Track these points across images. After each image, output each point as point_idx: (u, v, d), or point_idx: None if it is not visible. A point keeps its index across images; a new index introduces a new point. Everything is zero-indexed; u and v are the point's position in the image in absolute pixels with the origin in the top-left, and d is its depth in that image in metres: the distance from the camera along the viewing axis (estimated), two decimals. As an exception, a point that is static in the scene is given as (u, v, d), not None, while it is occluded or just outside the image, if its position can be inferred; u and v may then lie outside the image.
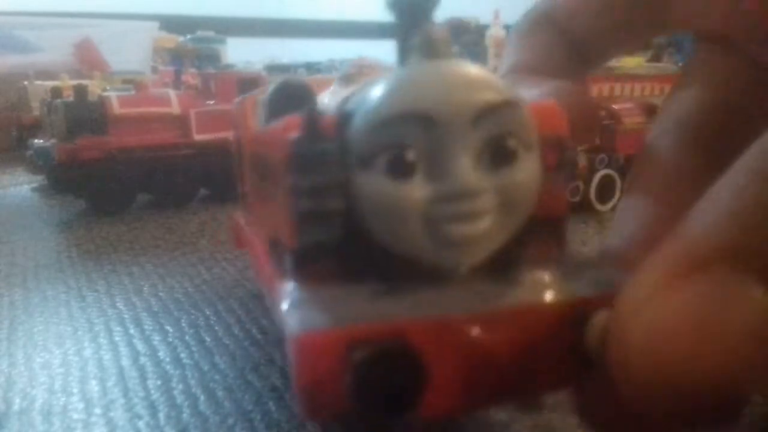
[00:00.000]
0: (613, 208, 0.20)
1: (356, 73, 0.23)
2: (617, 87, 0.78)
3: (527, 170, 0.15)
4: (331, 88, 0.25)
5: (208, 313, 0.38)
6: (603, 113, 0.63)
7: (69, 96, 0.70)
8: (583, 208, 0.59)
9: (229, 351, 0.32)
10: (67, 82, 0.95)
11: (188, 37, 1.71)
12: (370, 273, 0.15)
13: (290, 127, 0.16)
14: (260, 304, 0.38)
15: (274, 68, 1.23)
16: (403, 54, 0.16)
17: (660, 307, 0.12)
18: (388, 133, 0.14)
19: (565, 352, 0.14)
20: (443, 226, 0.14)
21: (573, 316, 0.14)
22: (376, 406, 0.13)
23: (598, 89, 0.82)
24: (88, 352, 0.33)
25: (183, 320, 0.37)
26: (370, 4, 2.46)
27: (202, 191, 0.72)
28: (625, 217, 0.19)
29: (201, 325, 0.36)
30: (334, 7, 2.36)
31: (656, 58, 1.41)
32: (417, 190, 0.14)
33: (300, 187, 0.15)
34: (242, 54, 1.59)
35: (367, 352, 0.13)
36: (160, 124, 0.67)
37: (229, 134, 0.43)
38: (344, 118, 0.15)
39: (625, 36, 0.21)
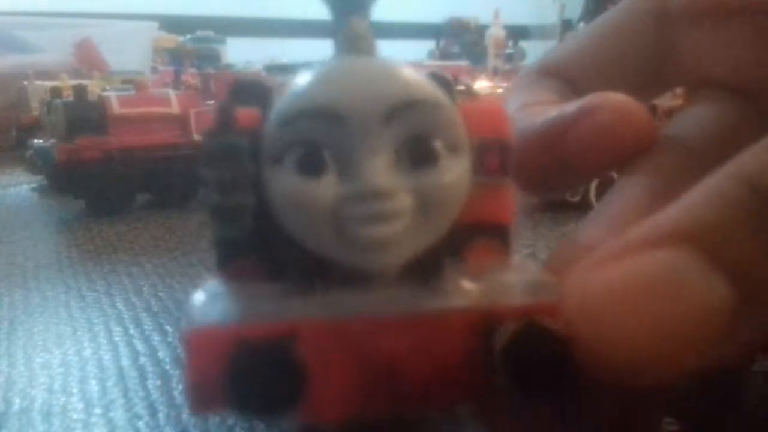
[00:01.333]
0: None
1: None
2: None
3: (451, 173, 0.14)
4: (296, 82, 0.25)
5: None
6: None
7: (68, 96, 0.70)
8: (583, 207, 0.59)
9: (228, 351, 0.32)
10: (67, 82, 0.95)
11: (188, 37, 1.71)
12: (288, 271, 0.15)
13: (209, 121, 0.15)
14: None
15: (273, 68, 1.23)
16: (336, 44, 0.16)
17: (603, 276, 0.12)
18: (298, 130, 0.14)
19: (472, 363, 0.14)
20: (353, 227, 0.14)
21: (484, 326, 0.14)
22: (250, 407, 0.13)
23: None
24: (87, 352, 0.33)
25: (183, 320, 0.37)
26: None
27: (202, 191, 0.72)
28: (597, 215, 0.19)
29: (201, 325, 0.36)
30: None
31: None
32: (326, 189, 0.14)
33: (208, 181, 0.15)
34: (242, 54, 1.59)
35: (244, 352, 0.13)
36: (160, 124, 0.67)
37: None
38: (263, 110, 0.15)
39: (632, 91, 0.20)
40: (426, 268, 0.15)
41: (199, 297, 0.15)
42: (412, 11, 2.36)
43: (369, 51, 0.15)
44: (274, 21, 2.35)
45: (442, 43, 2.17)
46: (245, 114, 0.15)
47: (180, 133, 0.68)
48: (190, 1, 2.13)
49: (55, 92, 0.74)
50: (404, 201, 0.14)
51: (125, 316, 0.39)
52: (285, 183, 0.14)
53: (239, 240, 0.15)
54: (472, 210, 0.15)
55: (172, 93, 0.69)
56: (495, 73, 0.94)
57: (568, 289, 0.13)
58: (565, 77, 0.21)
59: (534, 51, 2.02)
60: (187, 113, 0.68)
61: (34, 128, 0.96)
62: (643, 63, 0.20)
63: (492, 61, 1.60)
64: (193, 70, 1.02)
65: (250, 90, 0.21)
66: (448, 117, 0.14)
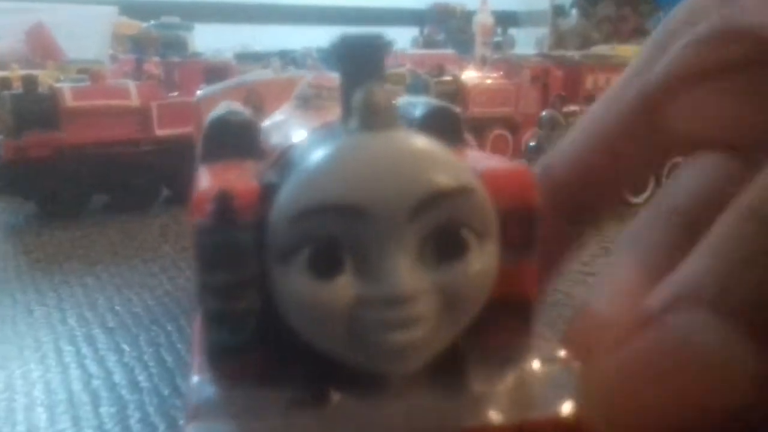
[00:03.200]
0: (648, 200, 0.20)
1: (315, 95, 0.22)
2: (613, 78, 0.77)
3: (480, 263, 0.14)
4: (287, 108, 0.23)
5: (170, 329, 0.37)
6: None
7: (17, 87, 0.68)
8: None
9: (192, 372, 0.31)
10: (17, 72, 0.93)
11: (151, 23, 1.69)
12: (293, 374, 0.15)
13: (200, 205, 0.14)
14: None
15: (245, 57, 1.21)
16: (345, 113, 0.15)
17: (623, 352, 0.13)
18: (311, 225, 0.13)
19: None
20: (373, 334, 0.13)
21: None
22: None
23: (593, 80, 0.82)
24: (35, 375, 0.32)
25: (141, 338, 0.36)
26: (348, -12, 2.45)
27: (165, 192, 0.71)
28: (609, 281, 0.19)
29: (162, 343, 0.35)
30: (310, -9, 2.36)
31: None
32: (343, 291, 0.13)
33: (208, 286, 0.14)
34: (211, 41, 1.57)
35: None
36: (118, 118, 0.66)
37: (191, 128, 0.43)
38: (268, 192, 0.14)
39: (625, 174, 0.21)
40: (447, 367, 0.14)
41: (191, 405, 0.14)
42: (393, -4, 2.36)
43: (390, 125, 0.14)
44: (246, 5, 2.33)
45: (426, 30, 2.16)
46: (244, 194, 0.14)
47: (140, 128, 0.67)
48: (154, -17, 2.10)
49: (4, 83, 0.72)
50: (429, 303, 0.14)
51: (77, 334, 0.37)
52: (296, 284, 0.13)
53: (239, 345, 0.15)
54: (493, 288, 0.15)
55: (131, 84, 0.68)
56: (484, 63, 0.94)
57: (586, 379, 0.13)
58: (565, 185, 0.21)
59: (524, 38, 2.03)
60: (148, 106, 0.67)
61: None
62: (636, 153, 0.20)
63: (479, 50, 1.60)
64: (157, 59, 1.01)
65: (234, 129, 0.20)
66: (478, 203, 0.14)
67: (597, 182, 0.21)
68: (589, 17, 2.05)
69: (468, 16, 1.94)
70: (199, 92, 0.39)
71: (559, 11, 2.08)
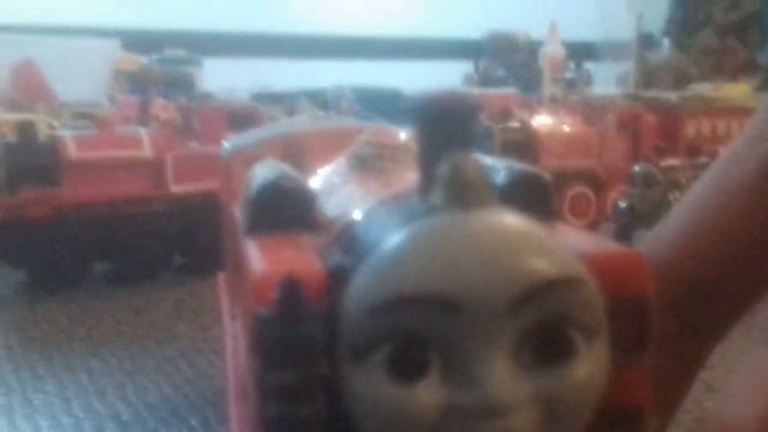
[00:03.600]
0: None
1: (374, 156, 0.23)
2: (720, 124, 0.78)
3: (589, 366, 0.14)
4: (339, 167, 0.24)
5: (194, 423, 0.38)
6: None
7: (9, 135, 0.71)
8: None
9: (227, 476, 0.32)
10: (5, 117, 0.97)
11: (153, 57, 1.75)
12: None
13: (263, 290, 0.15)
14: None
15: (264, 98, 1.24)
16: (426, 188, 0.15)
17: None
18: (393, 319, 0.14)
19: None
20: None
21: None
22: None
23: (695, 127, 0.83)
24: (40, 477, 0.33)
25: (162, 433, 0.37)
26: (384, 16, 2.49)
27: (179, 260, 0.72)
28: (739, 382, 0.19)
29: (188, 440, 0.36)
30: (337, 20, 2.41)
31: (766, 85, 1.42)
32: (428, 397, 0.14)
33: (269, 387, 0.14)
34: (221, 79, 1.62)
35: None
36: (128, 172, 0.68)
37: (215, 184, 0.44)
38: (337, 277, 0.15)
39: (761, 262, 0.21)
40: None
41: None
42: (443, 25, 2.40)
43: (483, 203, 0.14)
44: (261, 37, 2.38)
45: (482, 64, 2.20)
46: (312, 280, 0.15)
47: (153, 184, 0.69)
48: (157, 12, 2.18)
49: (-7, 131, 0.76)
50: (530, 415, 0.14)
51: (85, 427, 0.39)
52: (372, 386, 0.14)
53: None
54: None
55: (143, 132, 0.71)
56: (556, 105, 0.95)
57: None
58: (674, 282, 0.21)
59: (603, 74, 2.04)
60: (162, 158, 0.69)
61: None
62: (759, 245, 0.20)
63: (548, 88, 1.62)
64: (161, 100, 1.04)
65: (285, 201, 0.19)
66: (587, 296, 0.14)
67: (723, 273, 0.21)
68: (685, 49, 2.05)
69: (533, 47, 1.96)
70: (225, 143, 0.40)
71: (647, 42, 2.09)
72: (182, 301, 0.63)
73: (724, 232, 0.21)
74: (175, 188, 0.69)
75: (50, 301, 0.64)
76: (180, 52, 1.79)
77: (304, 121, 0.59)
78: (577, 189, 0.81)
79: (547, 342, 0.14)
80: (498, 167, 0.19)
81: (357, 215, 0.19)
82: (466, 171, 0.14)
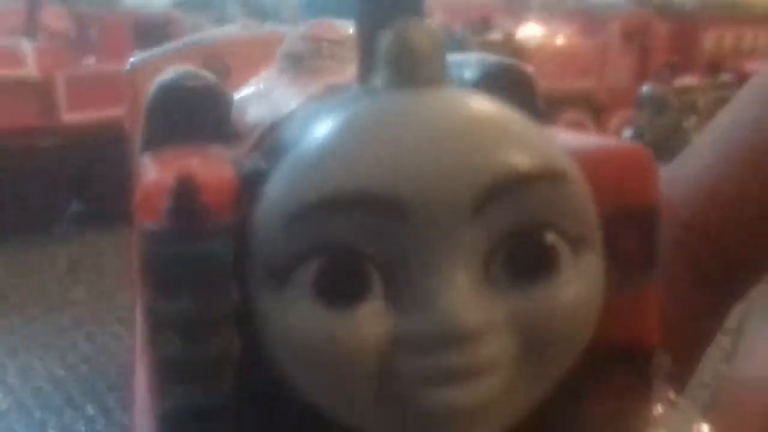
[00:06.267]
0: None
1: (312, 53, 0.23)
2: (747, 35, 0.78)
3: (576, 284, 0.14)
4: (268, 73, 0.24)
5: (91, 412, 0.37)
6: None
7: None
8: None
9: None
10: None
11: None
12: None
13: (150, 201, 0.14)
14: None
15: (187, 4, 1.23)
16: (365, 66, 0.15)
17: None
18: (321, 227, 0.13)
19: None
20: (416, 390, 0.13)
21: None
22: None
23: (716, 39, 0.82)
24: None
25: (50, 426, 0.36)
26: None
27: (75, 205, 0.71)
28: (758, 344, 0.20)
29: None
30: None
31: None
32: (369, 326, 0.13)
33: (163, 319, 0.14)
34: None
35: None
36: (8, 96, 0.65)
37: (118, 110, 0.42)
38: (251, 183, 0.14)
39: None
40: None
41: None
42: None
43: (437, 79, 0.14)
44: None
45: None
46: (215, 186, 0.14)
47: (40, 112, 0.66)
48: None
49: None
50: (502, 344, 0.13)
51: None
52: (297, 316, 0.13)
53: (205, 409, 0.14)
54: (596, 327, 0.14)
55: (26, 45, 0.69)
56: (550, 14, 0.95)
57: None
58: (695, 230, 0.22)
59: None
60: (51, 78, 0.67)
61: None
62: None
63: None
64: (57, 7, 1.02)
65: (188, 104, 0.19)
66: (573, 195, 0.14)
67: (750, 224, 0.21)
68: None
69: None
70: (132, 60, 0.40)
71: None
72: (79, 260, 0.61)
73: (755, 180, 0.21)
74: (69, 117, 0.67)
75: None
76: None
77: (232, 30, 0.58)
78: (572, 114, 0.81)
79: (523, 254, 0.14)
80: (466, 61, 0.18)
81: (280, 115, 0.18)
82: (413, 39, 0.14)
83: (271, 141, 0.17)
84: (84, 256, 0.60)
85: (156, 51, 0.40)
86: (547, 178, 0.13)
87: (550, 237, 0.14)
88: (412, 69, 0.14)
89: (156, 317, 0.14)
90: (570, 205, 0.14)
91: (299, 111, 0.18)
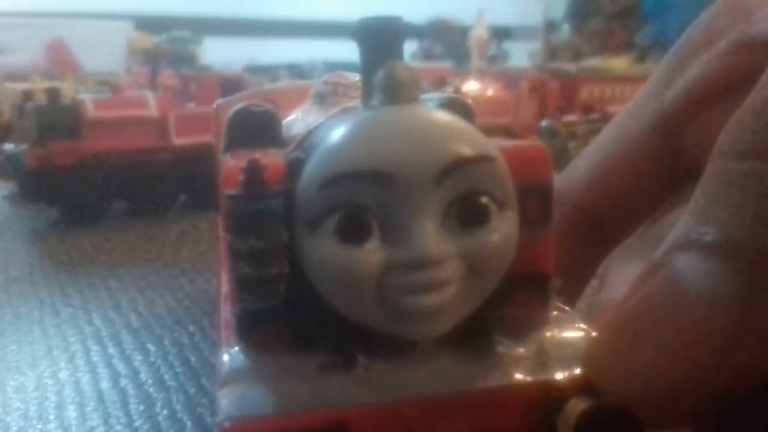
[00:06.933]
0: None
1: (331, 92, 0.22)
2: (607, 89, 0.78)
3: (501, 231, 0.14)
4: (304, 106, 0.23)
5: (192, 330, 0.37)
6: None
7: (41, 99, 0.68)
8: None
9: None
10: (39, 85, 0.93)
11: (163, 37, 1.69)
12: (321, 341, 0.14)
13: (231, 177, 0.14)
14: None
15: (254, 69, 1.21)
16: (367, 94, 0.15)
17: (627, 302, 0.13)
18: (339, 192, 0.13)
19: None
20: (400, 298, 0.13)
21: (543, 401, 0.14)
22: None
23: (588, 91, 0.82)
24: (64, 374, 0.32)
25: (166, 338, 0.36)
26: (351, 3, 2.44)
27: (182, 198, 0.71)
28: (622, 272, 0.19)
29: (185, 344, 0.35)
30: (315, 6, 2.35)
31: (642, 59, 1.42)
32: (371, 257, 0.13)
33: (238, 251, 0.14)
34: (219, 55, 1.57)
35: None
36: (137, 128, 0.66)
37: (208, 137, 0.43)
38: (294, 167, 0.14)
39: (648, 203, 0.21)
40: (472, 333, 0.14)
41: (226, 377, 0.14)
42: (394, 11, 2.35)
43: (413, 99, 0.14)
44: (252, 20, 2.33)
45: (424, 43, 2.17)
46: (273, 168, 0.14)
47: (158, 138, 0.67)
48: (165, 0, 2.10)
49: (27, 95, 0.72)
50: (454, 268, 0.13)
51: (104, 334, 0.37)
52: (324, 250, 0.13)
53: (268, 311, 0.14)
54: (513, 260, 0.14)
55: (149, 95, 0.68)
56: (483, 75, 0.94)
57: (597, 333, 0.14)
58: (583, 206, 0.21)
59: (518, 52, 2.03)
60: (165, 116, 0.67)
61: (5, 133, 0.93)
62: (655, 174, 0.20)
63: (476, 63, 1.60)
64: (170, 71, 1.01)
65: (256, 118, 0.19)
66: (499, 172, 0.14)
67: (616, 203, 0.20)
68: (580, 32, 2.05)
69: (464, 30, 1.93)
70: (216, 102, 0.39)
71: (551, 26, 2.08)
72: (185, 231, 0.61)
73: (619, 172, 0.20)
74: (177, 141, 0.67)
75: (78, 233, 0.62)
76: (184, 33, 1.73)
77: (281, 85, 0.57)
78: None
79: (467, 211, 0.14)
80: (432, 97, 0.18)
81: (312, 128, 0.18)
82: (397, 73, 0.14)
83: (306, 143, 0.17)
84: (188, 229, 0.59)
85: (232, 97, 0.39)
86: (482, 160, 0.13)
87: (485, 199, 0.14)
88: (396, 92, 0.14)
89: (234, 251, 0.14)
90: (498, 179, 0.14)
91: (325, 123, 0.18)
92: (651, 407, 0.12)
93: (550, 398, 0.13)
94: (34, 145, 0.64)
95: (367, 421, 0.13)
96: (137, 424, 0.27)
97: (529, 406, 0.14)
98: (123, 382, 0.31)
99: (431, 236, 0.13)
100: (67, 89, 0.83)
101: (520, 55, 1.96)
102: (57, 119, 0.64)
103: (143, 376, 0.31)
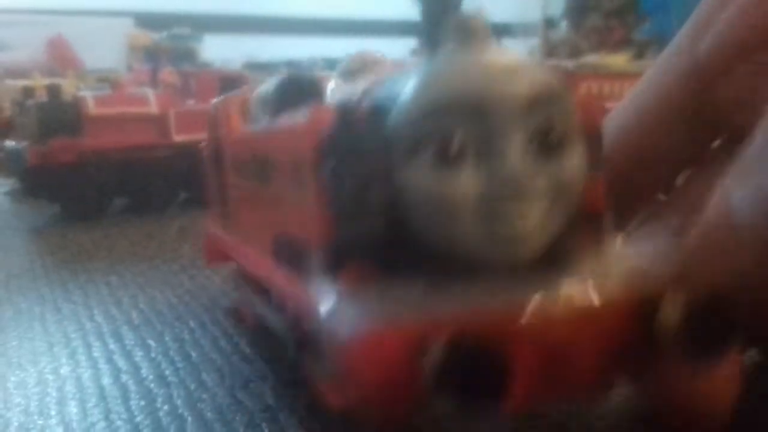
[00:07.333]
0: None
1: (359, 68, 0.23)
2: (606, 85, 0.78)
3: (576, 159, 0.15)
4: (332, 82, 0.24)
5: (192, 325, 0.37)
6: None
7: (42, 96, 0.68)
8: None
9: (216, 367, 0.30)
10: (40, 81, 0.93)
11: (164, 34, 1.69)
12: (413, 270, 0.15)
13: (319, 119, 0.15)
14: (246, 315, 0.37)
15: (254, 66, 1.21)
16: (432, 43, 0.16)
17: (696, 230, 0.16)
18: (437, 122, 0.14)
19: (633, 345, 0.15)
20: (495, 218, 0.14)
21: (638, 308, 0.15)
22: (458, 403, 0.12)
23: (587, 87, 0.82)
24: (65, 370, 0.32)
25: (166, 334, 0.36)
26: (349, 1, 2.44)
27: (183, 194, 0.71)
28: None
29: (186, 339, 0.35)
30: (314, 3, 2.35)
31: (640, 56, 1.42)
32: (467, 180, 0.14)
33: (340, 179, 0.15)
34: (219, 52, 1.57)
35: (442, 351, 0.12)
36: (138, 124, 0.66)
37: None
38: (377, 109, 0.15)
39: (677, 154, 0.21)
40: (555, 256, 0.15)
41: (328, 305, 0.14)
42: (393, 8, 2.35)
43: (489, 42, 0.15)
44: (252, 17, 2.32)
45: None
46: (358, 109, 0.15)
47: (158, 135, 0.67)
48: (165, -4, 2.10)
49: (28, 92, 0.72)
50: (542, 189, 0.14)
51: (105, 330, 0.37)
52: (422, 177, 0.14)
53: (364, 240, 0.15)
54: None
55: (150, 92, 0.68)
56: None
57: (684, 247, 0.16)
58: (616, 167, 0.21)
59: (516, 48, 2.02)
60: (166, 113, 0.67)
61: (6, 129, 0.93)
62: (686, 132, 0.20)
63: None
64: (170, 68, 1.00)
65: (302, 86, 0.20)
66: (571, 108, 0.15)
67: (646, 161, 0.20)
68: (578, 28, 2.05)
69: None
70: (213, 102, 0.39)
71: (549, 23, 2.08)
72: (185, 228, 0.61)
73: (649, 131, 0.21)
74: (177, 138, 0.67)
75: (78, 229, 0.62)
76: (185, 30, 1.73)
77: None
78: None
79: (548, 140, 0.15)
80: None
81: (367, 86, 0.19)
82: (474, 18, 0.15)
83: (370, 95, 0.17)
84: (188, 226, 0.59)
85: (231, 95, 0.39)
86: (560, 95, 0.15)
87: (561, 131, 0.15)
88: (476, 34, 0.15)
89: (334, 178, 0.15)
90: (570, 115, 0.15)
91: (384, 79, 0.18)
92: (742, 304, 0.14)
93: (646, 305, 0.14)
94: (35, 142, 0.64)
95: (503, 331, 0.13)
96: (138, 419, 0.27)
97: (629, 313, 0.14)
98: (124, 377, 0.31)
99: (520, 160, 0.14)
100: (68, 86, 0.83)
101: (520, 52, 1.96)
102: (57, 116, 0.65)
103: (144, 371, 0.31)
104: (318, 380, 0.16)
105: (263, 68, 1.18)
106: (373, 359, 0.13)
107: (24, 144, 0.66)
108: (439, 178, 0.14)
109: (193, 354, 0.32)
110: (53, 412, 0.28)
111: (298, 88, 0.20)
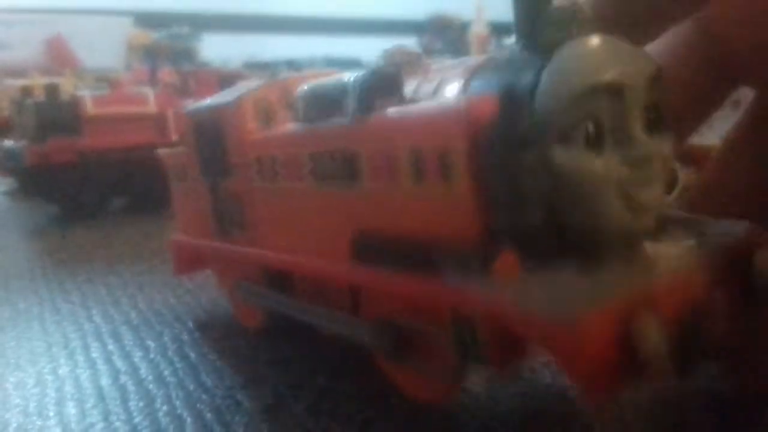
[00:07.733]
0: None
1: (405, 62, 0.23)
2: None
3: (669, 133, 0.16)
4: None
5: (191, 326, 0.37)
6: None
7: (40, 95, 0.68)
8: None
9: (215, 368, 0.30)
10: (38, 81, 0.93)
11: (162, 33, 1.68)
12: (562, 255, 0.16)
13: (480, 109, 0.16)
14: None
15: (253, 66, 1.21)
16: (528, 34, 0.16)
17: None
18: (587, 103, 0.15)
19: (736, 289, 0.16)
20: (633, 192, 0.15)
21: (738, 258, 0.16)
22: (680, 370, 0.14)
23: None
24: (64, 371, 0.32)
25: (165, 334, 0.36)
26: (349, 1, 2.44)
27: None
28: None
29: (185, 340, 0.35)
30: (314, 3, 2.35)
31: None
32: (611, 159, 0.15)
33: (501, 168, 0.16)
34: (218, 51, 1.57)
35: (662, 327, 0.14)
36: (137, 124, 0.66)
37: None
38: (516, 97, 0.16)
39: (692, 108, 0.22)
40: (661, 225, 0.17)
41: (517, 295, 0.15)
42: (394, 7, 2.35)
43: (593, 30, 0.16)
44: (251, 17, 2.32)
45: (424, 39, 2.17)
46: (509, 95, 0.16)
47: (157, 134, 0.67)
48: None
49: (26, 91, 0.72)
50: (660, 163, 0.16)
51: (103, 330, 0.37)
52: (577, 159, 0.15)
53: (519, 230, 0.16)
54: None
55: (149, 92, 0.68)
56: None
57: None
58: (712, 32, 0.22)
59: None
60: (165, 113, 0.67)
61: (4, 129, 0.93)
62: (703, 83, 0.21)
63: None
64: (169, 68, 1.00)
65: (386, 80, 0.21)
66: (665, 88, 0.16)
67: (747, 21, 0.20)
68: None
69: (464, 27, 1.93)
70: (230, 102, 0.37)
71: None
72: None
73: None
74: (175, 137, 0.67)
75: (76, 229, 0.62)
76: (184, 29, 1.73)
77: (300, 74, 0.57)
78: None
79: (655, 117, 0.16)
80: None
81: (469, 72, 0.19)
82: (581, 8, 0.16)
83: (480, 86, 0.18)
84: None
85: (243, 94, 0.38)
86: (661, 74, 0.16)
87: (661, 112, 0.16)
88: (590, 24, 0.16)
89: (496, 169, 0.16)
90: (664, 93, 0.16)
91: (489, 62, 0.18)
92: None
93: (744, 255, 0.16)
94: (33, 142, 0.64)
95: (673, 296, 0.15)
96: (137, 420, 0.26)
97: (735, 265, 0.16)
98: (123, 378, 0.30)
99: (646, 136, 0.15)
100: (66, 85, 0.83)
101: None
102: (56, 115, 0.64)
103: (143, 372, 0.31)
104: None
105: (262, 67, 1.18)
106: (604, 338, 0.14)
107: (22, 143, 0.66)
108: (590, 159, 0.15)
109: (192, 354, 0.32)
110: (52, 413, 0.28)
111: (382, 82, 0.20)
